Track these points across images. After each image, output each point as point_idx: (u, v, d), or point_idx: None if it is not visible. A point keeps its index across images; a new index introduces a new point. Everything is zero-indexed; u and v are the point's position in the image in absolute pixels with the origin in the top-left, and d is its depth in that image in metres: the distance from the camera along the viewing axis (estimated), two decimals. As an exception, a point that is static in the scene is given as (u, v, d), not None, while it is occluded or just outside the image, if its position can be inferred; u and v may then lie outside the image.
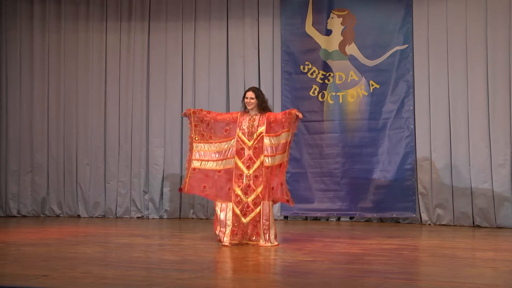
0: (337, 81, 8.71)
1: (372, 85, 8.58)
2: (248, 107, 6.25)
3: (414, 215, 8.30)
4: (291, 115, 6.10)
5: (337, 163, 8.62)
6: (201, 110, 6.52)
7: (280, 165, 6.11)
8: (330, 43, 8.76)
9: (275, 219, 6.55)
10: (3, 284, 3.98)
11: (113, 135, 9.38)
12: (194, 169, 6.34)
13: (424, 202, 8.26)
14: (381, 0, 8.58)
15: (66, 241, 6.52)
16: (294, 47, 8.88)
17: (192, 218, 9.12)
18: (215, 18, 9.22)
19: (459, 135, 8.13)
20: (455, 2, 8.22)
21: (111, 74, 9.46)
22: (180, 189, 6.51)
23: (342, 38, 8.73)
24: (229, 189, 6.19)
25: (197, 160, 6.35)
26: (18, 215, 9.38)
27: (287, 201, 6.17)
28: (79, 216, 9.33)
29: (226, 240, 6.02)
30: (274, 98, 8.90)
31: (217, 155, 6.30)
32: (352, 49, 8.69)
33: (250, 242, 6.03)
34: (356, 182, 8.53)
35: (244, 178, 6.13)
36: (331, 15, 8.76)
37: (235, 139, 6.23)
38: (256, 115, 6.24)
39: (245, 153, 6.17)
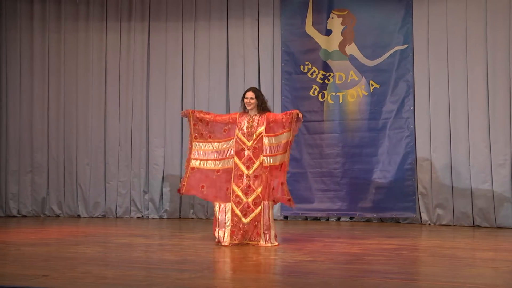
0: (337, 81, 8.71)
1: (372, 85, 8.58)
2: (248, 107, 6.25)
3: (414, 215, 8.30)
4: (292, 114, 6.10)
5: (337, 163, 8.62)
6: (200, 111, 6.54)
7: (281, 165, 6.10)
8: (330, 43, 8.77)
9: (275, 219, 6.55)
10: (3, 284, 3.98)
11: (113, 135, 9.38)
12: (193, 168, 6.35)
13: (424, 202, 8.26)
14: (381, 0, 8.58)
15: (66, 241, 6.52)
16: (294, 47, 8.88)
17: (192, 218, 9.12)
18: (215, 18, 9.23)
19: (459, 135, 8.13)
20: (455, 2, 8.22)
21: (111, 74, 9.46)
22: (179, 190, 6.52)
23: (342, 38, 8.73)
24: (227, 189, 6.19)
25: (196, 159, 6.35)
26: (18, 215, 9.38)
27: (289, 201, 6.13)
28: (79, 216, 9.33)
29: (226, 240, 6.02)
30: (274, 98, 8.90)
31: (216, 155, 6.31)
32: (352, 49, 8.69)
33: (250, 242, 6.03)
34: (356, 182, 8.53)
35: (244, 178, 6.13)
36: (331, 15, 8.76)
37: (234, 139, 6.24)
38: (255, 115, 6.24)
39: (245, 154, 6.17)
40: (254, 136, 6.16)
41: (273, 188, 6.10)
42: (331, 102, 8.71)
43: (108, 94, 9.44)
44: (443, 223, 8.14)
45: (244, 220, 6.06)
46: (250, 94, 6.26)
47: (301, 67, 8.82)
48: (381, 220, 8.61)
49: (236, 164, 6.19)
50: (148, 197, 9.23)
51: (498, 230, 7.64)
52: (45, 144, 9.43)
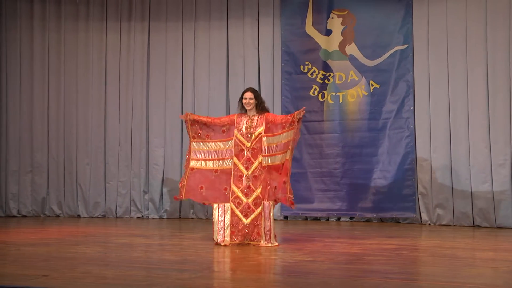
0: (337, 81, 8.71)
1: (372, 85, 8.58)
2: (247, 108, 6.24)
3: (414, 215, 8.30)
4: (292, 115, 6.07)
5: (337, 163, 8.62)
6: (199, 116, 6.54)
7: (282, 164, 6.07)
8: (330, 43, 8.77)
9: (275, 219, 6.54)
10: (3, 284, 3.98)
11: (113, 135, 9.38)
12: (192, 169, 6.35)
13: (424, 202, 8.27)
14: (381, 0, 8.58)
15: (66, 241, 6.52)
16: (294, 47, 8.88)
17: (192, 218, 9.12)
18: (215, 18, 9.23)
19: (459, 135, 8.13)
20: (455, 2, 8.22)
21: (111, 74, 9.46)
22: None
23: (342, 38, 8.73)
24: (225, 189, 6.19)
25: (195, 160, 6.36)
26: (18, 215, 9.38)
27: (290, 200, 6.07)
28: (79, 216, 9.33)
29: (226, 240, 6.02)
30: (274, 98, 8.90)
31: (214, 155, 6.31)
32: (352, 49, 8.69)
33: (251, 243, 6.03)
34: (356, 182, 8.53)
35: (244, 179, 6.13)
36: (331, 15, 8.76)
37: (233, 140, 6.24)
38: (254, 116, 6.24)
39: (244, 154, 6.17)
40: (253, 136, 6.16)
41: (275, 188, 6.08)
42: (331, 102, 8.71)
43: (108, 94, 9.44)
44: (443, 223, 8.14)
45: (245, 221, 6.06)
46: (248, 95, 6.26)
47: (301, 67, 8.82)
48: (381, 220, 8.61)
49: (235, 165, 6.19)
50: (148, 197, 9.23)
51: (498, 230, 7.64)
52: (45, 144, 9.43)
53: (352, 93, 8.67)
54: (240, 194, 6.11)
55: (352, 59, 8.68)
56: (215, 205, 6.18)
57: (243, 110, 6.31)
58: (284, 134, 6.10)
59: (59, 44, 9.51)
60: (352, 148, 8.61)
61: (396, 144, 8.42)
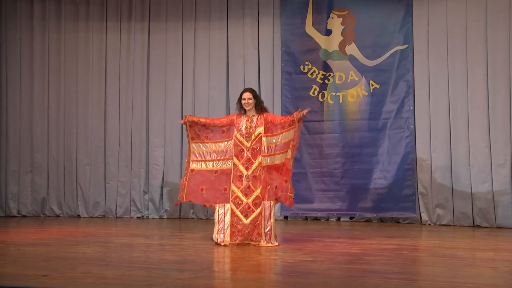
0: (337, 81, 8.71)
1: (372, 85, 8.58)
2: (247, 108, 6.24)
3: (414, 215, 8.30)
4: (292, 116, 6.07)
5: (337, 163, 8.62)
6: (198, 117, 6.54)
7: (282, 164, 6.07)
8: (330, 43, 8.77)
9: (275, 219, 6.53)
10: (3, 284, 3.98)
11: (113, 135, 9.38)
12: (192, 170, 6.35)
13: (424, 202, 8.26)
14: (381, 0, 8.58)
15: (66, 241, 6.52)
16: (294, 47, 8.88)
17: (192, 218, 9.12)
18: (215, 18, 9.23)
19: (459, 135, 8.13)
20: (455, 2, 8.22)
21: (111, 74, 9.46)
22: (176, 203, 6.54)
23: (342, 38, 8.73)
24: (225, 189, 6.19)
25: (195, 161, 6.36)
26: (18, 215, 9.38)
27: (290, 199, 6.05)
28: (79, 216, 9.33)
29: (226, 240, 6.03)
30: (274, 98, 8.90)
31: (214, 155, 6.31)
32: (352, 49, 8.69)
33: (251, 243, 6.03)
34: (356, 182, 8.53)
35: (244, 179, 6.13)
36: (331, 15, 8.76)
37: (233, 140, 6.24)
38: (254, 116, 6.24)
39: (244, 154, 6.17)
40: (253, 136, 6.16)
41: (275, 187, 6.08)
42: (331, 102, 8.71)
43: (108, 94, 9.44)
44: (443, 223, 8.14)
45: (245, 221, 6.06)
46: (247, 95, 6.25)
47: (301, 67, 8.82)
48: (381, 220, 8.61)
49: (235, 165, 6.19)
50: (148, 197, 9.23)
51: (498, 230, 7.64)
52: (45, 144, 9.43)
53: (352, 93, 8.67)
54: (240, 194, 6.12)
55: (352, 59, 8.68)
56: (217, 206, 6.18)
57: (242, 111, 6.31)
58: (284, 134, 6.10)
59: (59, 44, 9.51)
60: (352, 148, 8.61)
61: (396, 144, 8.42)
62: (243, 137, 6.20)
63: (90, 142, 9.38)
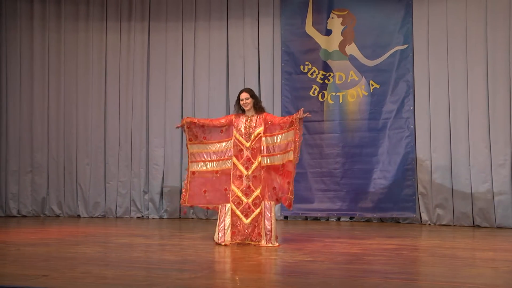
0: (337, 81, 8.71)
1: (372, 85, 8.58)
2: (245, 108, 6.24)
3: (414, 215, 8.30)
4: (291, 117, 6.07)
5: (337, 163, 8.62)
6: (197, 118, 6.56)
7: (282, 165, 6.07)
8: (330, 43, 8.77)
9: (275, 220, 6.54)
10: (3, 284, 3.98)
11: (113, 135, 9.38)
12: (193, 172, 6.36)
13: (424, 202, 8.26)
14: (381, 0, 8.58)
15: (66, 241, 6.52)
16: (294, 47, 8.88)
17: (192, 218, 9.12)
18: (215, 18, 9.23)
19: (459, 135, 8.13)
20: (455, 2, 8.22)
21: (111, 74, 9.46)
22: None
23: (342, 38, 8.73)
24: (225, 189, 6.20)
25: (195, 162, 6.36)
26: (18, 215, 9.38)
27: (289, 201, 6.05)
28: (79, 216, 9.33)
29: (227, 240, 6.03)
30: (274, 98, 8.90)
31: (214, 156, 6.32)
32: (352, 49, 8.69)
33: (251, 243, 6.03)
34: (356, 182, 8.53)
35: (244, 179, 6.13)
36: (331, 15, 8.76)
37: (232, 140, 6.24)
38: (253, 116, 6.24)
39: (244, 154, 6.17)
40: (253, 136, 6.16)
41: (274, 188, 6.10)
42: (331, 102, 8.71)
43: (108, 94, 9.44)
44: (443, 223, 8.14)
45: (245, 221, 6.07)
46: (245, 95, 6.26)
47: (301, 67, 8.82)
48: (381, 220, 8.61)
49: (235, 165, 6.19)
50: (148, 197, 9.23)
51: (498, 230, 7.64)
52: (45, 144, 9.43)
53: (352, 93, 8.67)
54: (240, 194, 6.12)
55: (352, 59, 8.68)
56: (220, 206, 6.18)
57: (240, 111, 6.31)
58: (283, 134, 6.10)
59: (59, 44, 9.51)
60: (352, 148, 8.61)
61: (396, 144, 8.42)
62: (242, 137, 6.20)
63: (90, 142, 9.38)
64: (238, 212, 6.09)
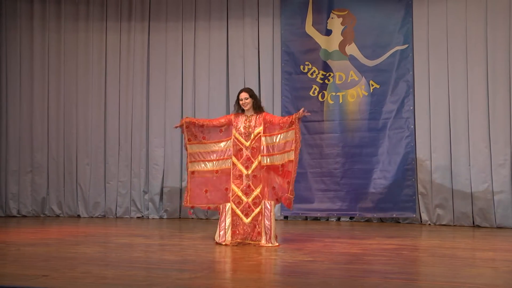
0: (337, 81, 8.71)
1: (372, 85, 8.58)
2: (245, 108, 6.24)
3: (414, 215, 8.30)
4: (290, 117, 6.07)
5: (337, 163, 8.62)
6: (196, 118, 6.57)
7: (282, 165, 6.07)
8: (330, 43, 8.77)
9: (275, 219, 6.54)
10: (3, 284, 3.98)
11: (113, 135, 9.38)
12: (193, 172, 6.36)
13: (424, 202, 8.26)
14: (381, 0, 8.58)
15: (66, 241, 6.52)
16: (294, 47, 8.88)
17: (192, 218, 9.11)
18: (215, 18, 9.23)
19: (459, 135, 8.13)
20: (455, 2, 8.22)
21: (111, 74, 9.46)
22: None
23: (342, 38, 8.73)
24: (226, 189, 6.21)
25: (195, 161, 6.36)
26: (18, 215, 9.38)
27: (289, 201, 6.06)
28: (79, 216, 9.33)
29: (227, 240, 6.03)
30: (274, 98, 8.90)
31: (214, 156, 6.32)
32: (352, 49, 8.69)
33: (251, 242, 6.03)
34: (356, 182, 8.53)
35: (244, 178, 6.13)
36: (331, 15, 8.77)
37: (231, 140, 6.24)
38: (252, 115, 6.24)
39: (244, 154, 6.17)
40: (252, 136, 6.16)
41: (273, 188, 6.11)
42: (331, 102, 8.71)
43: (108, 94, 9.44)
44: (443, 223, 8.14)
45: (245, 220, 6.07)
46: (244, 95, 6.26)
47: (301, 67, 8.82)
48: (381, 220, 8.61)
49: (234, 165, 6.19)
50: (148, 197, 9.23)
51: (498, 230, 7.64)
52: (45, 144, 9.43)
53: (352, 93, 8.67)
54: (240, 194, 6.12)
55: (352, 59, 8.68)
56: (221, 206, 6.19)
57: (239, 111, 6.31)
58: (283, 134, 6.10)
59: (59, 44, 9.51)
60: (352, 148, 8.61)
61: (396, 144, 8.42)
62: (241, 137, 6.20)
63: (90, 142, 9.38)
64: (238, 212, 6.10)
